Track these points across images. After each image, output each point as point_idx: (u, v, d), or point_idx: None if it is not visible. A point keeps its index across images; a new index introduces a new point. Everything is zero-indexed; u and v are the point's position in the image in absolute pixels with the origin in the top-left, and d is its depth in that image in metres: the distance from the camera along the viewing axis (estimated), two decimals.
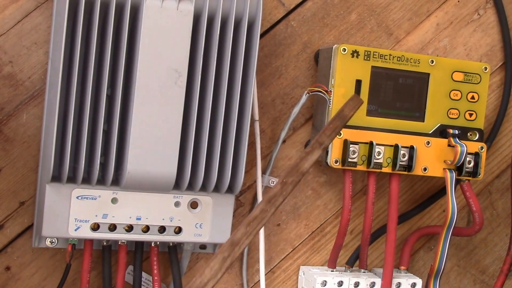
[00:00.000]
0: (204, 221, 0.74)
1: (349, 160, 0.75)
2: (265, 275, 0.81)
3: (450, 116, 0.80)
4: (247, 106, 0.71)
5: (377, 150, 0.76)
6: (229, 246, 0.53)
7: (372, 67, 0.77)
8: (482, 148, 0.80)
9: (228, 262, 0.53)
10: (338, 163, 0.76)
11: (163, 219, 0.72)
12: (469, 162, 0.79)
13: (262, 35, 0.80)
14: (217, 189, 0.73)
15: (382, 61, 0.77)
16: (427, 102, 0.79)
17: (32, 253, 0.75)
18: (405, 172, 0.78)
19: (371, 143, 0.76)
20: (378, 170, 0.77)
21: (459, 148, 0.78)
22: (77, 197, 0.70)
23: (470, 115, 0.80)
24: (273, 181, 0.81)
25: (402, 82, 0.78)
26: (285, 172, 0.57)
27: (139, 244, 0.75)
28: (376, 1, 0.83)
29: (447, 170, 0.79)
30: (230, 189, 0.73)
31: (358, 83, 0.77)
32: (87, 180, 0.70)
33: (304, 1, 0.81)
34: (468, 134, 0.80)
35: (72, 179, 0.70)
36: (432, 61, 0.79)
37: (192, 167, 0.71)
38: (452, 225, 0.78)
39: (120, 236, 0.72)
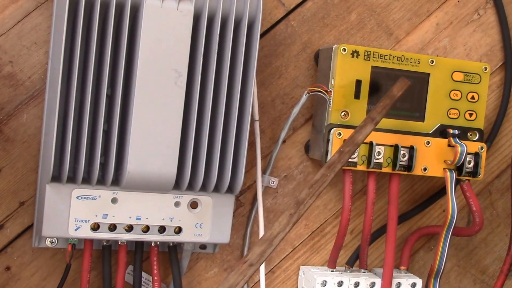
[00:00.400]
0: (204, 221, 0.74)
1: (349, 160, 0.75)
2: (265, 275, 0.81)
3: (450, 116, 0.80)
4: (247, 106, 0.71)
5: (377, 150, 0.76)
6: (295, 205, 0.59)
7: (372, 67, 0.77)
8: (482, 148, 0.80)
9: (294, 218, 0.59)
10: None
11: (163, 219, 0.72)
12: (469, 162, 0.79)
13: (262, 35, 0.80)
14: (217, 189, 0.73)
15: (382, 61, 0.77)
16: (427, 102, 0.79)
17: (32, 253, 0.75)
18: (405, 172, 0.78)
19: (371, 143, 0.76)
20: (378, 170, 0.77)
21: (459, 148, 0.78)
22: (77, 197, 0.70)
23: (470, 115, 0.80)
24: (273, 181, 0.81)
25: None
26: (343, 144, 0.64)
27: (139, 244, 0.75)
28: (376, 1, 0.83)
29: (447, 170, 0.79)
30: (230, 189, 0.73)
31: (358, 83, 0.77)
32: (87, 180, 0.70)
33: (304, 1, 0.81)
34: (468, 134, 0.80)
35: (72, 179, 0.70)
36: (432, 61, 0.79)
37: (192, 167, 0.71)
38: (452, 225, 0.78)
39: (120, 236, 0.72)
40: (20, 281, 0.75)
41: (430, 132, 0.79)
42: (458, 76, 0.80)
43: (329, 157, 0.75)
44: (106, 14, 0.68)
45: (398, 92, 0.68)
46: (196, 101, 0.69)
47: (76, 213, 0.70)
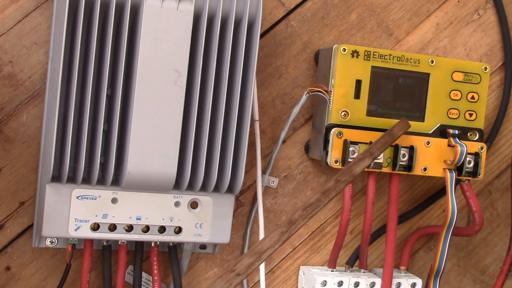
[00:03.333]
0: (204, 221, 0.74)
1: (349, 160, 0.75)
2: (265, 275, 0.81)
3: (450, 116, 0.80)
4: (247, 106, 0.71)
5: None
6: (287, 223, 0.63)
7: (372, 67, 0.77)
8: (482, 148, 0.80)
9: (285, 236, 0.62)
10: (338, 163, 0.76)
11: (163, 219, 0.72)
12: (469, 162, 0.79)
13: (262, 35, 0.80)
14: (217, 189, 0.73)
15: (382, 61, 0.77)
16: (427, 102, 0.79)
17: (32, 253, 0.75)
18: (405, 172, 0.78)
19: (371, 143, 0.76)
20: (378, 170, 0.77)
21: (459, 148, 0.78)
22: (77, 197, 0.70)
23: (470, 115, 0.80)
24: (273, 181, 0.81)
25: (402, 82, 0.78)
26: (340, 172, 0.68)
27: (139, 244, 0.75)
28: (376, 1, 0.83)
29: (447, 170, 0.79)
30: (230, 189, 0.73)
31: (358, 83, 0.77)
32: (87, 180, 0.70)
33: (304, 1, 0.81)
34: (468, 134, 0.80)
35: (72, 179, 0.70)
36: (432, 61, 0.79)
37: (192, 167, 0.71)
38: (452, 225, 0.78)
39: (120, 236, 0.72)
40: (20, 281, 0.75)
41: (430, 132, 0.79)
42: (458, 76, 0.80)
43: (329, 157, 0.76)
44: (106, 14, 0.68)
45: (398, 132, 0.73)
46: (196, 101, 0.69)
47: (76, 213, 0.70)
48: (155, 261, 0.74)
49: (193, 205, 0.73)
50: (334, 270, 0.81)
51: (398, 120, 0.76)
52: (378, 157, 0.76)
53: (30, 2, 0.73)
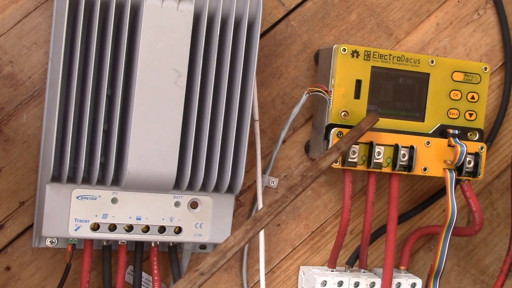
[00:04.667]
0: (204, 221, 0.74)
1: (349, 160, 0.75)
2: (265, 275, 0.81)
3: (450, 116, 0.80)
4: (247, 106, 0.71)
5: (377, 150, 0.76)
6: (252, 221, 0.62)
7: (372, 67, 0.77)
8: (482, 148, 0.80)
9: (250, 234, 0.61)
10: (338, 163, 0.76)
11: (163, 219, 0.72)
12: (469, 162, 0.79)
13: (262, 35, 0.80)
14: (217, 189, 0.73)
15: (382, 61, 0.77)
16: (427, 102, 0.79)
17: (32, 253, 0.75)
18: (405, 172, 0.78)
19: (371, 143, 0.76)
20: (378, 170, 0.77)
21: (459, 148, 0.78)
22: (77, 197, 0.70)
23: (470, 115, 0.80)
24: (273, 181, 0.81)
25: (402, 82, 0.78)
26: (305, 168, 0.68)
27: (139, 244, 0.75)
28: (376, 1, 0.83)
29: (447, 170, 0.79)
30: (230, 189, 0.73)
31: (358, 83, 0.77)
32: (87, 180, 0.70)
33: (304, 1, 0.81)
34: (468, 134, 0.80)
35: (72, 179, 0.70)
36: (432, 61, 0.79)
37: (192, 167, 0.71)
38: (452, 225, 0.78)
39: (120, 236, 0.72)
40: (20, 281, 0.75)
41: (430, 132, 0.79)
42: (458, 76, 0.80)
43: None
44: (106, 14, 0.68)
45: (366, 126, 0.72)
46: (196, 101, 0.69)
47: (76, 213, 0.70)
48: (155, 261, 0.74)
49: (193, 205, 0.73)
50: (334, 270, 0.81)
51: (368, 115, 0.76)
52: (378, 157, 0.76)
53: (30, 2, 0.73)
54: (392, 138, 0.77)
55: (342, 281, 0.79)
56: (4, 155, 0.73)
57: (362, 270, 0.81)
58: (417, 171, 0.78)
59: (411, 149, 0.77)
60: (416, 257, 0.88)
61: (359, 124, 0.72)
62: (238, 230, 0.62)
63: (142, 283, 0.77)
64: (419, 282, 0.82)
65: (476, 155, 0.79)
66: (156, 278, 0.74)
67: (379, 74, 0.77)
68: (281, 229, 0.82)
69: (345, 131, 0.75)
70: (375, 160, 0.76)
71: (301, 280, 0.83)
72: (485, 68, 0.80)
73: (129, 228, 0.72)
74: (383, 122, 0.77)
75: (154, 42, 0.67)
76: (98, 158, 0.69)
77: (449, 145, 0.79)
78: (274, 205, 0.63)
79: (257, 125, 0.78)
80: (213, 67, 0.70)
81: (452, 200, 0.78)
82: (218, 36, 0.69)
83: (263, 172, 0.80)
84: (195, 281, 0.58)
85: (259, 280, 0.79)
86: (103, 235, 0.71)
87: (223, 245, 0.60)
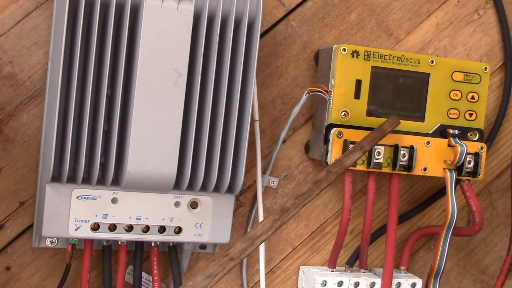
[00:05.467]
0: (204, 221, 0.74)
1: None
2: (265, 275, 0.81)
3: (450, 116, 0.80)
4: (247, 106, 0.71)
5: (377, 150, 0.76)
6: (280, 211, 0.64)
7: (372, 67, 0.77)
8: (482, 148, 0.80)
9: (277, 224, 0.63)
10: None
11: (163, 219, 0.72)
12: (469, 162, 0.79)
13: (262, 35, 0.80)
14: (217, 189, 0.73)
15: (382, 61, 0.77)
16: (427, 102, 0.79)
17: (32, 253, 0.75)
18: (405, 172, 0.78)
19: None
20: (378, 170, 0.77)
21: (459, 148, 0.78)
22: (77, 197, 0.70)
23: (470, 115, 0.80)
24: (273, 181, 0.81)
25: (402, 82, 0.78)
26: (331, 164, 0.70)
27: (139, 244, 0.75)
28: (376, 1, 0.83)
29: (447, 170, 0.79)
30: (230, 189, 0.73)
31: (358, 83, 0.77)
32: (87, 180, 0.70)
33: (304, 1, 0.81)
34: (468, 134, 0.80)
35: (72, 179, 0.70)
36: (432, 61, 0.79)
37: (192, 167, 0.71)
38: (452, 225, 0.78)
39: (120, 236, 0.72)
40: (20, 281, 0.75)
41: (430, 132, 0.79)
42: (458, 76, 0.80)
43: (329, 157, 0.76)
44: (106, 14, 0.68)
45: (388, 128, 0.74)
46: (196, 101, 0.69)
47: (76, 213, 0.70)
48: (155, 261, 0.74)
49: (193, 205, 0.73)
50: (334, 270, 0.81)
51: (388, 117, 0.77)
52: (378, 157, 0.76)
53: (30, 2, 0.73)
54: (392, 138, 0.77)
55: (342, 281, 0.79)
56: (4, 155, 0.73)
57: (362, 270, 0.81)
58: (417, 171, 0.78)
59: (411, 149, 0.77)
60: (416, 257, 0.88)
61: (382, 125, 0.75)
62: (266, 219, 0.64)
63: (142, 283, 0.77)
64: (419, 282, 0.82)
65: (476, 155, 0.79)
66: (156, 278, 0.74)
67: (379, 74, 0.77)
68: (281, 229, 0.82)
69: (345, 131, 0.75)
70: (375, 160, 0.76)
71: (301, 280, 0.83)
72: (485, 68, 0.80)
73: (129, 228, 0.72)
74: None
75: (154, 42, 0.67)
76: (98, 158, 0.69)
77: (449, 145, 0.79)
78: (300, 197, 0.65)
79: (257, 125, 0.78)
80: (213, 67, 0.70)
81: (452, 200, 0.78)
82: (218, 36, 0.69)
83: (263, 172, 0.80)
84: (225, 265, 0.60)
85: (259, 280, 0.79)
86: (103, 235, 0.71)
87: (251, 233, 0.62)
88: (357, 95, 0.77)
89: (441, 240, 0.79)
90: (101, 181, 0.71)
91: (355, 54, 0.76)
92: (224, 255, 0.61)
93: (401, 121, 0.78)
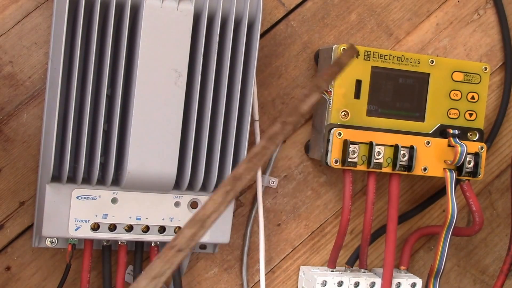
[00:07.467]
0: None
1: (349, 160, 0.75)
2: (265, 275, 0.81)
3: (450, 116, 0.80)
4: (247, 106, 0.71)
5: (377, 150, 0.76)
6: (231, 180, 0.52)
7: (372, 67, 0.77)
8: (482, 148, 0.80)
9: (230, 196, 0.51)
10: (338, 163, 0.76)
11: (163, 219, 0.72)
12: (469, 162, 0.79)
13: (262, 35, 0.80)
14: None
15: (382, 61, 0.77)
16: (427, 102, 0.79)
17: (32, 253, 0.75)
18: (405, 172, 0.78)
19: (371, 143, 0.76)
20: (378, 170, 0.77)
21: (459, 148, 0.78)
22: (77, 197, 0.70)
23: (470, 115, 0.80)
24: (273, 181, 0.81)
25: (402, 82, 0.78)
26: (285, 113, 0.55)
27: (139, 244, 0.75)
28: (376, 1, 0.83)
29: (447, 170, 0.79)
30: None
31: (358, 83, 0.77)
32: (87, 180, 0.70)
33: (304, 1, 0.81)
34: (468, 134, 0.80)
35: (72, 179, 0.70)
36: (432, 61, 0.79)
37: (192, 167, 0.71)
38: (452, 225, 0.78)
39: (120, 236, 0.72)
40: (20, 281, 0.75)
41: (430, 132, 0.79)
42: (458, 76, 0.80)
43: (329, 157, 0.76)
44: (106, 14, 0.68)
45: (346, 60, 0.62)
46: (196, 101, 0.69)
47: (76, 213, 0.70)
48: None
49: (193, 205, 0.73)
50: (334, 270, 0.81)
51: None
52: (378, 157, 0.76)
53: (30, 2, 0.73)
54: (392, 138, 0.77)
55: (342, 281, 0.79)
56: (4, 155, 0.73)
57: (362, 270, 0.81)
58: (417, 171, 0.78)
59: (411, 149, 0.77)
60: (416, 257, 0.88)
61: (339, 58, 0.63)
62: (216, 193, 0.51)
63: None
64: (419, 282, 0.82)
65: (476, 155, 0.79)
66: None
67: (379, 74, 0.77)
68: (281, 229, 0.82)
69: (345, 131, 0.75)
70: (375, 160, 0.76)
71: (301, 280, 0.83)
72: (485, 68, 0.80)
73: (129, 228, 0.72)
74: (383, 122, 0.77)
75: (154, 42, 0.67)
76: (98, 158, 0.69)
77: (449, 145, 0.79)
78: (254, 159, 0.53)
79: (257, 125, 0.78)
80: (213, 67, 0.70)
81: (452, 200, 0.78)
82: (218, 36, 0.69)
83: (263, 172, 0.80)
84: (173, 260, 0.48)
85: (259, 280, 0.79)
86: (103, 235, 0.71)
87: (200, 213, 0.50)
88: (357, 95, 0.77)
89: (441, 240, 0.79)
90: (101, 181, 0.71)
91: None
92: (169, 247, 0.48)
93: (401, 121, 0.78)
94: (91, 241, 0.73)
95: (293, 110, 0.58)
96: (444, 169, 0.79)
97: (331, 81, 0.63)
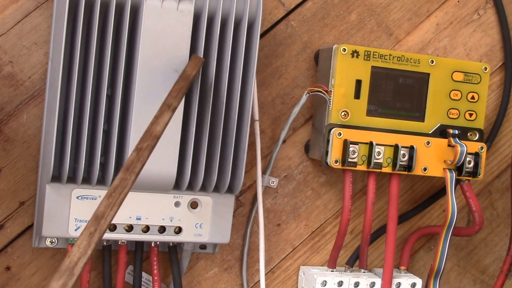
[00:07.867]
0: (204, 221, 0.74)
1: (349, 160, 0.75)
2: (265, 275, 0.81)
3: (450, 116, 0.80)
4: (247, 106, 0.71)
5: (377, 150, 0.76)
6: (94, 221, 0.51)
7: (372, 67, 0.77)
8: (482, 148, 0.80)
9: (96, 237, 0.50)
10: (338, 163, 0.76)
11: (163, 219, 0.72)
12: (469, 162, 0.79)
13: (262, 35, 0.80)
14: (217, 189, 0.73)
15: (382, 61, 0.77)
16: (427, 102, 0.79)
17: (32, 253, 0.75)
18: (405, 172, 0.78)
19: (371, 143, 0.76)
20: (378, 170, 0.77)
21: (459, 148, 0.78)
22: (77, 197, 0.70)
23: (470, 115, 0.80)
24: (273, 181, 0.81)
25: (402, 82, 0.78)
26: (140, 139, 0.56)
27: (139, 244, 0.75)
28: (376, 1, 0.83)
29: (447, 170, 0.79)
30: (230, 189, 0.73)
31: (358, 83, 0.77)
32: (87, 180, 0.70)
33: (304, 1, 0.81)
34: (468, 134, 0.80)
35: (72, 179, 0.70)
36: (432, 61, 0.79)
37: (192, 167, 0.71)
38: (452, 225, 0.78)
39: (120, 236, 0.72)
40: (20, 281, 0.75)
41: (430, 132, 0.79)
42: (458, 76, 0.80)
43: (329, 157, 0.76)
44: (106, 14, 0.68)
45: (192, 71, 0.63)
46: (196, 101, 0.69)
47: (76, 213, 0.70)
48: (155, 261, 0.74)
49: (193, 205, 0.73)
50: (334, 270, 0.81)
51: None
52: (378, 157, 0.76)
53: (30, 2, 0.73)
54: (392, 138, 0.77)
55: (342, 281, 0.79)
56: (4, 155, 0.73)
57: (362, 270, 0.81)
58: (417, 171, 0.78)
59: (411, 149, 0.77)
60: (416, 257, 0.88)
61: (184, 72, 0.63)
62: (80, 237, 0.50)
63: (142, 283, 0.77)
64: (419, 282, 0.82)
65: (476, 155, 0.79)
66: (156, 278, 0.74)
67: (379, 74, 0.77)
68: (281, 229, 0.82)
69: (345, 131, 0.75)
70: (375, 160, 0.76)
71: (301, 280, 0.83)
72: (485, 68, 0.80)
73: (129, 228, 0.72)
74: (383, 122, 0.77)
75: (154, 42, 0.67)
76: (98, 158, 0.69)
77: (449, 145, 0.79)
78: (114, 194, 0.53)
79: (257, 125, 0.78)
80: (213, 67, 0.70)
81: (452, 200, 0.78)
82: (218, 36, 0.69)
83: (263, 172, 0.80)
84: None
85: (259, 280, 0.79)
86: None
87: (67, 262, 0.48)
88: (357, 95, 0.77)
89: (441, 240, 0.79)
90: (101, 181, 0.71)
91: (355, 54, 0.76)
92: None
93: (401, 121, 0.78)
94: None
95: (146, 135, 0.57)
96: (444, 169, 0.79)
97: (181, 96, 0.62)
